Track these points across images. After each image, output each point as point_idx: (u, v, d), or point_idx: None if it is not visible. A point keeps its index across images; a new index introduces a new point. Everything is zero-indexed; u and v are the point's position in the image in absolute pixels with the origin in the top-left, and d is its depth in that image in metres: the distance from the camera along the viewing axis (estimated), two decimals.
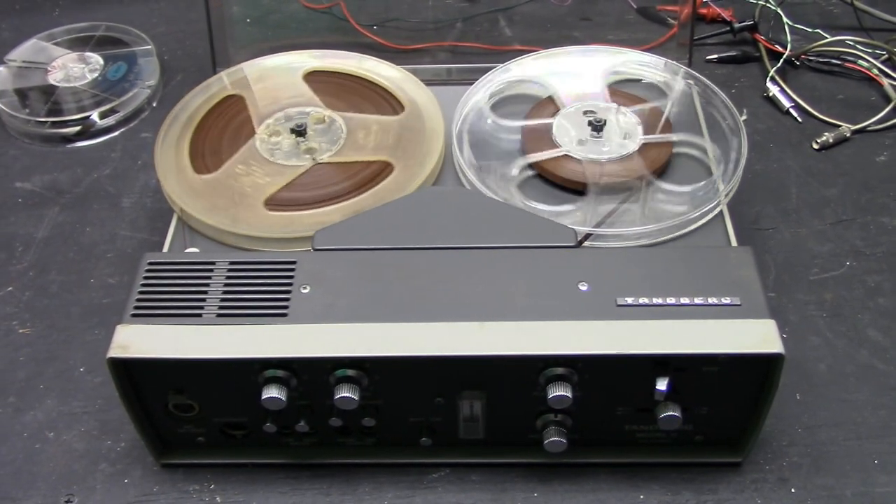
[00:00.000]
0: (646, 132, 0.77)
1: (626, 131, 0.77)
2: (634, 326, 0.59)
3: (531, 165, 0.76)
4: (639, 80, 0.85)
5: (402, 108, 0.82)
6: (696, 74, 0.83)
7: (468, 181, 0.74)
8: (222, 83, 0.85)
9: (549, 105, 0.81)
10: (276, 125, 0.80)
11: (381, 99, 0.84)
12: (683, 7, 0.90)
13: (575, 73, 0.84)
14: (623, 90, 0.82)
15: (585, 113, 0.79)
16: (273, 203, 0.73)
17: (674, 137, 0.77)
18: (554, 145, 0.76)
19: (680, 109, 0.80)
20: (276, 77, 0.85)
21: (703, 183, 0.74)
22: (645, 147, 0.76)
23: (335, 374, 0.60)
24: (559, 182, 0.75)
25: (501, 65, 0.84)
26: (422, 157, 0.76)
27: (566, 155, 0.75)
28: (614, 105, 0.79)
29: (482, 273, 0.63)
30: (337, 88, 0.84)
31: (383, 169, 0.76)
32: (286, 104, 0.82)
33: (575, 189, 0.74)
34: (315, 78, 0.86)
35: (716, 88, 0.81)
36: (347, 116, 0.81)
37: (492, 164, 0.76)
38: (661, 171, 0.75)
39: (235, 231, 0.71)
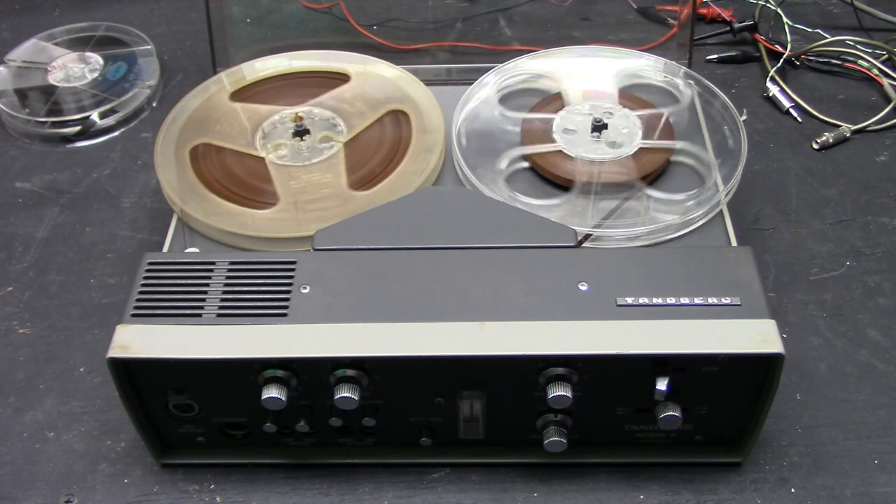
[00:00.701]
0: (645, 137, 0.77)
1: (626, 134, 0.77)
2: (634, 326, 0.59)
3: (525, 157, 0.76)
4: (653, 85, 0.84)
5: (346, 77, 0.84)
6: (696, 75, 0.83)
7: (468, 181, 0.74)
8: (222, 83, 0.85)
9: (555, 101, 0.81)
10: (270, 142, 0.79)
11: (324, 80, 0.85)
12: (683, 7, 0.90)
13: (588, 73, 0.84)
14: (636, 94, 0.82)
15: (589, 112, 0.79)
16: (357, 184, 0.74)
17: (673, 145, 0.76)
18: (550, 140, 0.76)
19: (685, 117, 0.80)
20: (210, 108, 0.82)
21: (694, 191, 0.73)
22: (640, 152, 0.76)
23: (335, 374, 0.60)
24: (548, 177, 0.75)
25: (516, 59, 0.84)
26: (422, 157, 0.76)
27: (560, 151, 0.75)
28: (619, 107, 0.79)
29: (482, 273, 0.63)
30: (274, 92, 0.84)
31: (400, 116, 0.80)
32: (250, 124, 0.80)
33: (563, 185, 0.74)
34: (243, 94, 0.84)
35: (716, 89, 0.81)
36: (316, 103, 0.81)
37: (488, 151, 0.76)
38: (654, 178, 0.75)
39: (235, 231, 0.71)
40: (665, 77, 0.84)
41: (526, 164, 0.77)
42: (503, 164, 0.76)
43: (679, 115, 0.80)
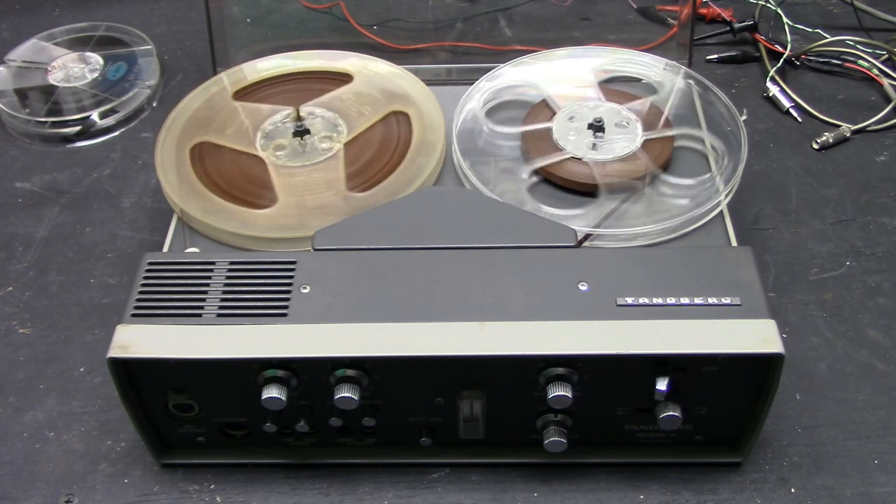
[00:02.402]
0: (645, 129, 0.77)
1: (625, 129, 0.77)
2: (634, 326, 0.59)
3: (537, 171, 0.75)
4: (627, 78, 0.85)
5: (349, 77, 0.84)
6: (696, 74, 0.83)
7: (468, 181, 0.74)
8: (222, 83, 0.85)
9: (543, 109, 0.81)
10: (270, 142, 0.79)
11: (326, 81, 0.85)
12: (683, 7, 0.90)
13: (564, 75, 0.84)
14: (613, 88, 0.83)
15: (582, 114, 0.79)
16: (355, 185, 0.74)
17: (673, 132, 0.77)
18: (557, 149, 0.76)
19: (674, 104, 0.81)
20: (214, 106, 0.82)
21: (707, 175, 0.74)
22: (647, 143, 0.76)
23: (335, 373, 0.60)
24: (568, 185, 0.74)
25: (488, 73, 0.84)
26: (422, 157, 0.76)
27: (571, 157, 0.75)
28: (609, 104, 0.79)
29: (482, 273, 0.63)
30: (278, 92, 0.84)
31: (403, 116, 0.80)
32: (251, 123, 0.80)
33: (583, 191, 0.74)
34: (246, 93, 0.84)
35: (716, 89, 0.81)
36: (318, 102, 0.81)
37: (496, 172, 0.75)
38: (665, 166, 0.76)
39: (235, 231, 0.71)
40: (639, 68, 0.85)
41: (536, 179, 0.76)
42: (521, 177, 0.75)
43: (663, 102, 0.80)
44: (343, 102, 0.82)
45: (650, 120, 0.78)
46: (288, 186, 0.74)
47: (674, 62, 0.85)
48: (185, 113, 0.82)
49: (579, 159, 0.75)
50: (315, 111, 0.81)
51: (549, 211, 0.72)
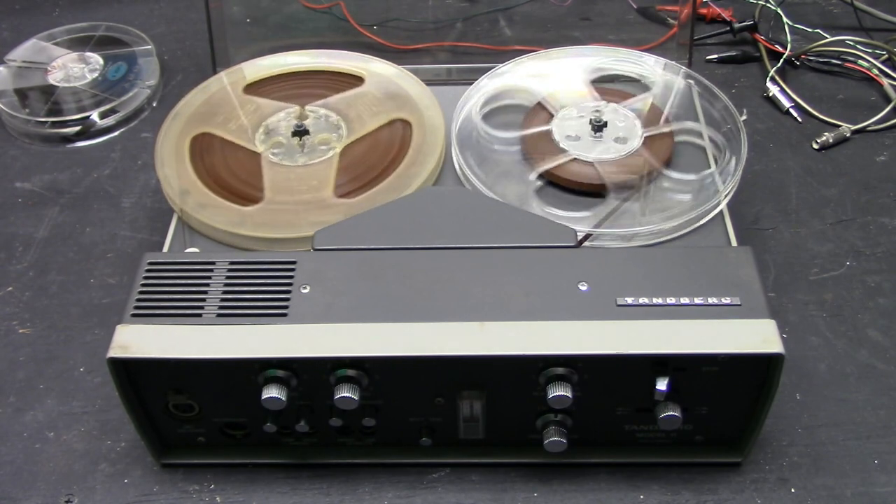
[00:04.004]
0: (644, 126, 0.77)
1: (626, 127, 0.77)
2: (634, 326, 0.59)
3: (541, 175, 0.75)
4: (625, 77, 0.85)
5: (360, 80, 0.84)
6: (696, 74, 0.83)
7: (468, 181, 0.74)
8: (222, 83, 0.85)
9: (540, 111, 0.81)
10: (270, 139, 0.79)
11: (336, 81, 0.84)
12: (683, 7, 0.90)
13: (556, 76, 0.83)
14: (606, 87, 0.83)
15: (581, 114, 0.79)
16: (342, 191, 0.74)
17: (673, 127, 0.77)
18: (559, 150, 0.76)
19: (674, 101, 0.81)
20: (221, 97, 0.83)
21: (709, 171, 0.75)
22: (648, 140, 0.76)
23: (335, 373, 0.60)
24: (573, 187, 0.74)
25: (488, 73, 0.83)
26: (422, 157, 0.76)
27: (575, 159, 0.75)
28: (605, 103, 0.80)
29: (482, 273, 0.63)
30: (286, 89, 0.84)
31: (404, 125, 0.79)
32: (255, 119, 0.80)
33: (590, 192, 0.74)
34: (257, 88, 0.84)
35: (716, 89, 0.81)
36: (324, 103, 0.81)
37: (497, 172, 0.75)
38: (668, 162, 0.76)
39: (235, 231, 0.71)
40: (635, 67, 0.85)
41: (541, 182, 0.75)
42: (527, 181, 0.75)
43: (660, 99, 0.80)
44: (349, 105, 0.82)
45: (649, 118, 0.78)
46: (275, 184, 0.74)
47: (674, 62, 0.85)
48: (184, 113, 0.82)
49: (583, 160, 0.75)
50: (319, 111, 0.81)
51: (556, 213, 0.72)
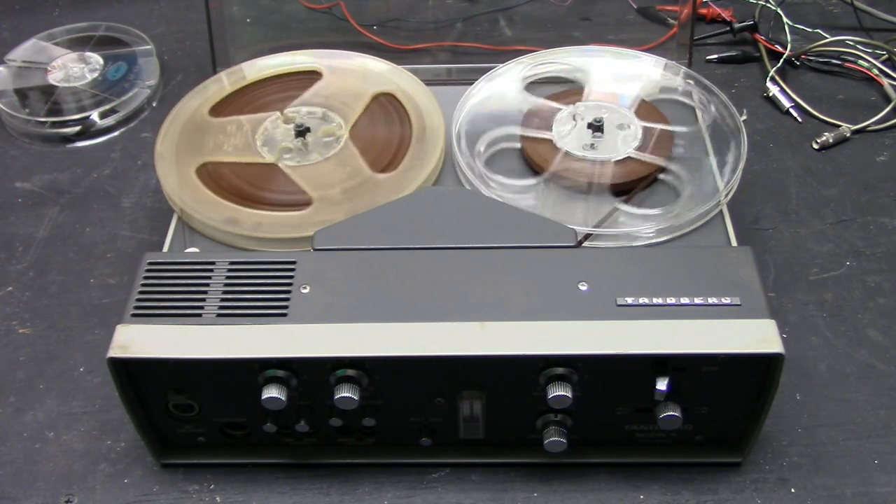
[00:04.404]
0: (639, 149, 0.76)
1: (621, 140, 0.77)
2: (634, 326, 0.59)
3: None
4: (683, 102, 0.83)
5: (318, 74, 0.85)
6: (696, 74, 0.83)
7: (468, 181, 0.74)
8: (222, 83, 0.85)
9: (574, 95, 0.81)
10: (276, 147, 0.78)
11: (298, 80, 0.85)
12: (683, 7, 0.90)
13: (619, 76, 0.83)
14: (658, 107, 0.81)
15: (581, 114, 0.79)
16: (378, 167, 0.76)
17: (664, 163, 0.75)
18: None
19: (699, 139, 0.78)
20: (193, 129, 0.81)
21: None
22: (627, 160, 0.75)
23: (335, 373, 0.60)
24: (527, 160, 0.77)
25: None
26: (422, 157, 0.76)
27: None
28: (628, 114, 0.79)
29: (482, 273, 0.63)
30: (250, 100, 0.83)
31: (388, 97, 0.81)
32: (243, 139, 0.79)
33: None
34: (219, 109, 0.83)
35: (716, 89, 0.81)
36: (301, 101, 0.82)
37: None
38: (628, 189, 0.74)
39: (235, 231, 0.71)
40: (699, 97, 0.82)
41: (517, 145, 0.78)
42: (484, 143, 0.77)
43: (690, 136, 0.78)
44: (326, 98, 0.82)
45: (649, 118, 0.78)
46: (314, 185, 0.74)
47: (674, 62, 0.85)
48: (184, 112, 0.81)
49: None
50: (301, 110, 0.81)
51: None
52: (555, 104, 0.80)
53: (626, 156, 0.75)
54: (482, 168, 0.75)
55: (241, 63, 0.87)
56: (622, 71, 0.84)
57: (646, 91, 0.82)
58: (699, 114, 0.81)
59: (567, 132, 0.77)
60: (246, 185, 0.75)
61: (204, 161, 0.77)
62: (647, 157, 0.75)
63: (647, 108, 0.80)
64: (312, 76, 0.85)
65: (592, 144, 0.76)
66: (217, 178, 0.76)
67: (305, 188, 0.74)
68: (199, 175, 0.76)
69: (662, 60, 0.85)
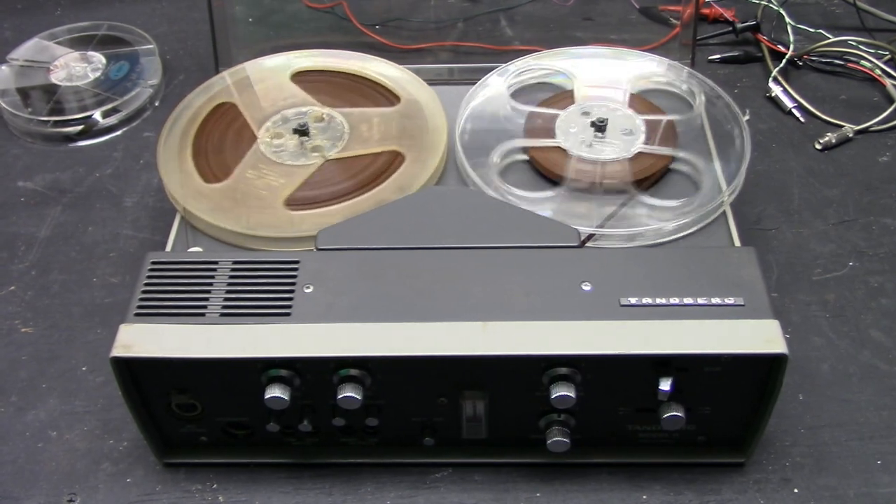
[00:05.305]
0: (647, 142, 0.76)
1: (627, 137, 0.77)
2: (638, 326, 0.59)
3: (525, 150, 0.76)
4: (670, 91, 0.84)
5: (397, 99, 0.83)
6: (699, 75, 0.83)
7: (470, 181, 0.74)
8: (224, 83, 0.85)
9: (565, 98, 0.81)
10: (276, 127, 0.79)
11: (375, 93, 0.84)
12: (686, 7, 0.90)
13: (604, 73, 0.83)
14: (649, 99, 0.81)
15: (595, 112, 0.79)
16: (293, 203, 0.73)
17: (674, 152, 0.76)
18: (562, 150, 0.76)
19: (696, 125, 0.79)
20: (266, 80, 0.85)
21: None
22: (639, 156, 0.75)
23: (338, 373, 0.60)
24: (542, 171, 0.76)
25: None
26: (424, 157, 0.76)
27: (577, 159, 0.75)
28: (626, 110, 0.79)
29: (485, 273, 0.63)
30: (328, 86, 0.84)
31: (394, 159, 0.77)
32: (281, 106, 0.82)
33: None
34: (303, 78, 0.85)
35: (718, 89, 0.81)
36: (346, 112, 0.81)
37: (490, 149, 0.76)
38: (652, 183, 0.74)
39: (238, 230, 0.71)
40: (684, 84, 0.83)
41: (524, 157, 0.77)
42: (498, 155, 0.76)
43: (689, 124, 0.79)
44: (336, 99, 0.82)
45: (651, 117, 0.78)
46: (241, 173, 0.75)
47: (676, 62, 0.85)
48: (187, 112, 0.81)
49: (585, 160, 0.75)
50: (336, 117, 0.80)
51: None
52: (551, 110, 0.80)
53: (637, 151, 0.75)
54: (498, 181, 0.74)
55: (244, 63, 0.87)
56: (605, 69, 0.84)
57: (633, 85, 0.82)
58: (692, 101, 0.81)
59: (572, 136, 0.77)
60: (218, 143, 0.77)
61: (227, 101, 0.78)
62: (657, 149, 0.76)
63: (639, 101, 0.81)
64: (392, 98, 0.84)
65: (599, 145, 0.76)
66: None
67: (234, 170, 0.74)
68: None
69: (665, 61, 0.85)
